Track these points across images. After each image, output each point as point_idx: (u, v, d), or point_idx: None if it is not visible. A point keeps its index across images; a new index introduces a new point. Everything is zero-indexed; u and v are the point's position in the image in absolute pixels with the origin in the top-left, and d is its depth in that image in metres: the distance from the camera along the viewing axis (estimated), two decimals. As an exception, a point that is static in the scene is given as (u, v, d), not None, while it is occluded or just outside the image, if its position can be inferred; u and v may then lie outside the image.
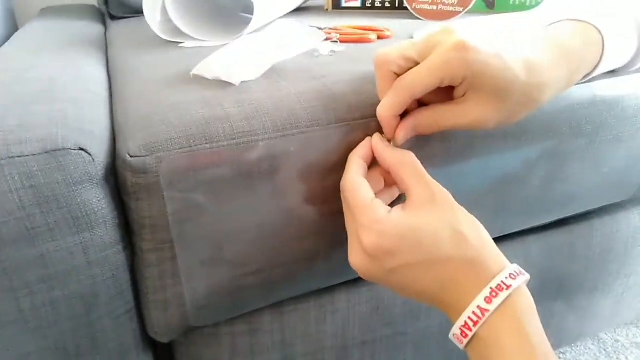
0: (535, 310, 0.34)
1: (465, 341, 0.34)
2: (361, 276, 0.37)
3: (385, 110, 0.37)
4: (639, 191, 0.60)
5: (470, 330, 0.33)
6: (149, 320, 0.41)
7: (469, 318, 0.33)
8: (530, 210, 0.53)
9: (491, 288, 0.33)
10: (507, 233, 0.55)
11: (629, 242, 0.66)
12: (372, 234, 0.34)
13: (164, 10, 0.61)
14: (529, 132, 0.47)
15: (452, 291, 0.35)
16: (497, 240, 0.55)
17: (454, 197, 0.39)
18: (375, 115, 0.40)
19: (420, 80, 0.35)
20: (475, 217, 0.39)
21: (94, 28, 0.85)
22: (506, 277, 0.33)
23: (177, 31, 0.63)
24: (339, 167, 0.40)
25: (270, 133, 0.37)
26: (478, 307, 0.33)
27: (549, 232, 0.59)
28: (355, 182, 0.37)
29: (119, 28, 0.82)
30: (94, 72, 0.54)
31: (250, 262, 0.41)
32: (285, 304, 0.48)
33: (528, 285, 0.35)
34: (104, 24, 0.95)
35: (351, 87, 0.42)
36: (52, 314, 0.36)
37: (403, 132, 0.38)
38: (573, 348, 0.83)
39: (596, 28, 0.40)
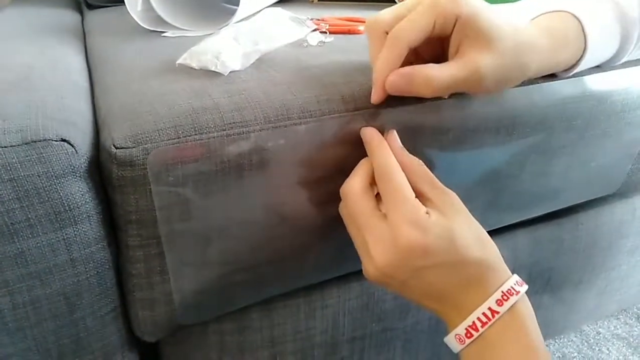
0: (534, 316, 0.36)
1: (467, 341, 0.35)
2: (373, 279, 0.36)
3: (382, 64, 0.35)
4: (623, 186, 0.61)
5: (477, 330, 0.34)
6: (134, 319, 0.39)
7: (478, 319, 0.34)
8: (520, 205, 0.53)
9: (502, 292, 0.35)
10: (497, 227, 0.55)
11: (613, 236, 0.67)
12: (416, 231, 0.33)
13: (146, -2, 0.59)
14: (520, 126, 0.46)
15: (467, 293, 0.35)
16: (488, 233, 0.56)
17: (446, 179, 0.39)
18: (369, 107, 0.39)
19: (411, 25, 0.34)
20: (468, 204, 0.38)
21: (70, 16, 0.82)
22: (515, 283, 0.36)
23: (160, 20, 0.61)
24: (331, 159, 0.39)
25: (262, 124, 0.36)
26: (489, 308, 0.34)
27: (536, 225, 0.59)
28: (391, 172, 0.35)
29: (96, 17, 0.79)
30: (73, 61, 0.52)
31: (240, 258, 0.40)
32: (274, 300, 0.47)
33: None
34: (81, 13, 0.91)
35: (343, 77, 0.41)
36: (33, 314, 0.34)
37: (396, 77, 0.35)
38: (556, 340, 0.84)
39: (577, 18, 0.40)
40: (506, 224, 0.56)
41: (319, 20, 0.61)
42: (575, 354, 0.81)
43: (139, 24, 0.59)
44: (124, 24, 0.65)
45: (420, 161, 0.38)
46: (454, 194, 0.38)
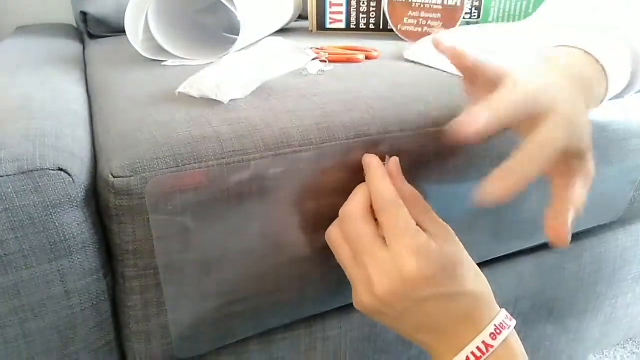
0: (524, 350, 0.36)
1: None
2: (368, 308, 0.35)
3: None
4: (626, 213, 0.60)
5: None
6: (130, 353, 0.38)
7: (472, 353, 0.34)
8: (523, 233, 0.53)
9: (495, 325, 0.35)
10: (500, 255, 0.54)
11: (617, 263, 0.66)
12: (421, 260, 0.33)
13: (147, 28, 0.60)
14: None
15: (461, 325, 0.35)
16: (490, 262, 0.55)
17: (450, 219, 0.39)
18: (369, 135, 0.39)
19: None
20: (471, 239, 0.38)
21: (72, 47, 0.83)
22: (506, 317, 0.36)
23: (160, 49, 0.61)
24: (332, 187, 0.39)
25: (262, 152, 0.36)
26: (483, 342, 0.34)
27: (539, 253, 0.58)
28: (395, 203, 0.35)
29: (98, 47, 0.80)
30: (73, 90, 0.52)
31: (239, 288, 0.39)
32: (274, 332, 0.46)
33: (521, 308, 0.41)
34: (82, 43, 0.92)
35: (343, 105, 0.41)
36: (25, 348, 0.33)
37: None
38: (562, 371, 0.82)
39: (599, 62, 0.37)
40: (509, 252, 0.55)
41: (318, 49, 0.61)
42: (583, 385, 0.79)
43: (140, 53, 0.60)
44: (125, 53, 0.65)
45: (418, 193, 0.38)
46: (449, 227, 0.38)
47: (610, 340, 0.77)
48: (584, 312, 0.67)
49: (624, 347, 0.86)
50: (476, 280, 0.36)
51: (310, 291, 0.42)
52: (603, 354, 0.85)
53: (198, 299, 0.37)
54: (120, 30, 0.61)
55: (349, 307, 0.48)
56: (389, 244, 0.34)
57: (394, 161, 0.39)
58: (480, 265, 0.53)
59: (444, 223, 0.38)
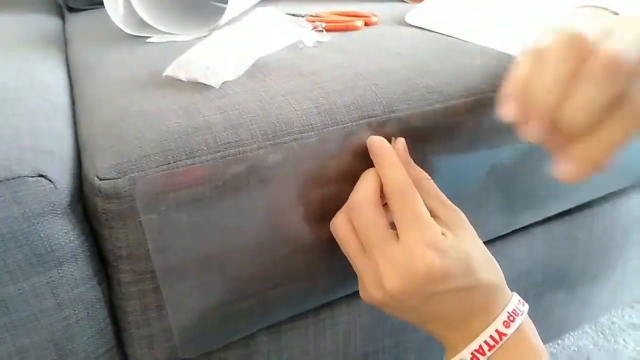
0: (536, 331, 0.35)
1: None
2: (377, 302, 0.34)
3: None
4: (638, 176, 0.58)
5: (484, 354, 0.33)
6: (132, 358, 0.36)
7: (485, 342, 0.33)
8: (536, 205, 0.50)
9: (508, 312, 0.34)
10: (512, 229, 0.52)
11: (629, 228, 0.64)
12: (435, 254, 0.31)
13: (127, 2, 0.55)
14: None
15: (474, 316, 0.34)
16: (502, 236, 0.53)
17: (460, 197, 0.37)
18: (373, 115, 0.36)
19: None
20: (482, 216, 0.36)
21: (51, 22, 0.78)
22: (518, 302, 0.35)
23: (143, 24, 0.57)
24: (337, 174, 0.36)
25: (260, 142, 0.33)
26: (497, 331, 0.33)
27: (552, 223, 0.56)
28: (408, 191, 0.32)
29: (78, 21, 0.75)
30: (53, 76, 0.48)
31: (243, 285, 0.37)
32: (281, 322, 0.44)
33: (532, 279, 0.41)
34: (62, 17, 0.87)
35: (344, 83, 0.38)
36: (19, 365, 0.31)
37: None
38: (571, 333, 0.81)
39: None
40: (523, 225, 0.53)
41: (313, 16, 0.57)
42: (592, 347, 0.79)
43: (122, 29, 0.56)
44: (106, 28, 0.61)
45: (428, 175, 0.36)
46: (461, 212, 0.35)
47: (619, 304, 0.76)
48: (594, 279, 0.66)
49: (631, 307, 0.86)
50: (488, 270, 0.34)
51: (318, 282, 0.40)
52: (611, 314, 0.84)
53: (199, 299, 0.35)
54: (101, 2, 0.56)
55: (356, 293, 0.47)
56: (401, 237, 0.32)
57: (401, 142, 0.36)
58: (491, 240, 0.52)
59: (455, 207, 0.36)
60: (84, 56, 0.52)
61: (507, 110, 0.28)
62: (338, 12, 0.60)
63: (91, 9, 0.85)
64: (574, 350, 0.78)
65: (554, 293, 0.63)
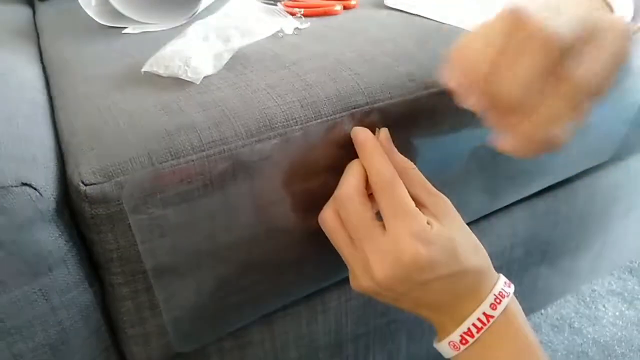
0: (523, 312, 0.36)
1: (462, 348, 0.35)
2: (366, 290, 0.35)
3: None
4: (618, 150, 0.59)
5: (472, 337, 0.34)
6: (129, 356, 0.37)
7: (473, 325, 0.34)
8: (518, 184, 0.51)
9: (495, 295, 0.35)
10: (496, 209, 0.53)
11: (608, 199, 0.66)
12: (421, 245, 0.31)
13: (100, -8, 0.54)
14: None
15: (462, 300, 0.34)
16: (485, 215, 0.54)
17: (444, 181, 0.37)
18: (356, 106, 0.36)
19: None
20: (466, 198, 0.37)
21: (20, 12, 0.75)
22: (504, 284, 0.36)
23: (118, 14, 0.56)
24: (322, 166, 0.37)
25: (244, 139, 0.33)
26: (484, 313, 0.34)
27: (533, 200, 0.58)
28: (393, 183, 0.33)
29: (49, 11, 0.73)
30: (27, 71, 0.47)
31: (234, 280, 0.37)
32: (274, 310, 0.45)
33: (515, 255, 0.41)
34: (31, 5, 0.84)
35: (326, 74, 0.38)
36: (16, 371, 0.31)
37: None
38: (553, 302, 0.84)
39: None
40: (506, 204, 0.54)
41: (291, 1, 0.56)
42: (573, 315, 0.82)
43: (96, 20, 0.54)
44: (79, 18, 0.59)
45: (412, 164, 0.36)
46: (447, 199, 0.36)
47: (599, 272, 0.79)
48: (575, 250, 0.68)
49: (611, 274, 0.89)
50: (474, 255, 0.35)
51: (309, 271, 0.41)
52: (591, 282, 0.87)
53: (192, 296, 0.36)
54: (71, -11, 0.55)
55: (346, 279, 0.48)
56: (388, 228, 0.33)
57: (385, 133, 0.36)
58: (476, 220, 0.53)
59: (441, 194, 0.36)
60: (58, 50, 0.51)
61: (449, 77, 0.30)
62: (316, -4, 0.59)
63: (62, -4, 0.83)
64: (557, 319, 0.81)
65: (537, 266, 0.65)
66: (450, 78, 0.30)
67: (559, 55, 0.26)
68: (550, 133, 0.28)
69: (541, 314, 0.82)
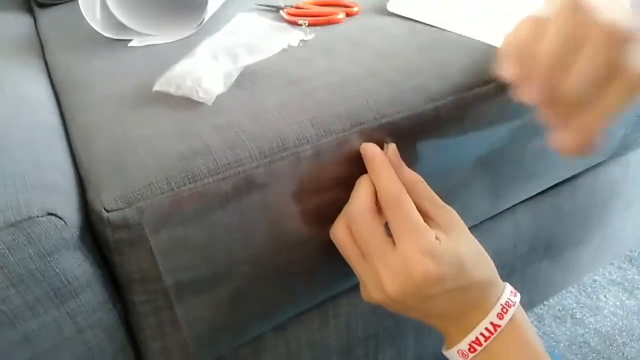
0: (529, 321, 0.37)
1: (471, 356, 0.36)
2: (377, 304, 0.36)
3: None
4: (617, 149, 0.60)
5: (480, 345, 0.35)
6: (152, 369, 0.38)
7: (481, 334, 0.35)
8: (521, 187, 0.53)
9: (501, 304, 0.36)
10: (500, 211, 0.54)
11: (608, 194, 0.67)
12: (430, 261, 0.33)
13: (104, 5, 0.54)
14: (517, 106, 0.45)
15: (469, 311, 0.36)
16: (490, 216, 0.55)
17: (449, 187, 0.38)
18: (365, 122, 0.37)
19: None
20: (471, 202, 0.38)
21: (21, 21, 0.75)
22: (510, 293, 0.37)
23: (123, 26, 0.56)
24: (333, 182, 0.38)
25: (258, 160, 0.34)
26: (491, 323, 0.35)
27: (535, 198, 0.59)
28: (401, 199, 0.34)
29: (51, 20, 0.73)
30: (36, 90, 0.48)
31: (249, 292, 0.38)
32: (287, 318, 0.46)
33: (518, 252, 0.40)
34: (31, 12, 0.84)
35: (334, 90, 0.39)
36: (47, 391, 0.33)
37: None
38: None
39: None
40: (509, 206, 0.55)
41: (294, 8, 0.57)
42: (575, 305, 0.83)
43: (101, 33, 0.55)
44: (83, 28, 0.59)
45: (420, 178, 0.37)
46: (453, 210, 0.37)
47: (600, 263, 0.80)
48: (577, 244, 0.69)
49: (611, 264, 0.91)
50: (481, 266, 0.36)
51: (321, 281, 0.43)
52: (592, 272, 0.89)
53: (211, 311, 0.37)
54: (71, -2, 0.55)
55: (356, 286, 0.49)
56: (397, 244, 0.34)
57: (393, 148, 0.37)
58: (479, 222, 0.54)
59: (448, 207, 0.37)
60: (65, 67, 0.51)
61: (506, 68, 0.29)
62: (318, 2, 0.59)
63: (61, 3, 0.83)
64: (559, 310, 0.83)
65: (540, 261, 0.66)
66: (506, 69, 0.29)
67: (622, 46, 0.25)
68: (603, 127, 0.27)
69: (544, 305, 0.83)
